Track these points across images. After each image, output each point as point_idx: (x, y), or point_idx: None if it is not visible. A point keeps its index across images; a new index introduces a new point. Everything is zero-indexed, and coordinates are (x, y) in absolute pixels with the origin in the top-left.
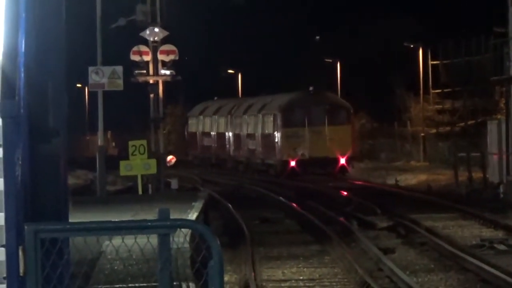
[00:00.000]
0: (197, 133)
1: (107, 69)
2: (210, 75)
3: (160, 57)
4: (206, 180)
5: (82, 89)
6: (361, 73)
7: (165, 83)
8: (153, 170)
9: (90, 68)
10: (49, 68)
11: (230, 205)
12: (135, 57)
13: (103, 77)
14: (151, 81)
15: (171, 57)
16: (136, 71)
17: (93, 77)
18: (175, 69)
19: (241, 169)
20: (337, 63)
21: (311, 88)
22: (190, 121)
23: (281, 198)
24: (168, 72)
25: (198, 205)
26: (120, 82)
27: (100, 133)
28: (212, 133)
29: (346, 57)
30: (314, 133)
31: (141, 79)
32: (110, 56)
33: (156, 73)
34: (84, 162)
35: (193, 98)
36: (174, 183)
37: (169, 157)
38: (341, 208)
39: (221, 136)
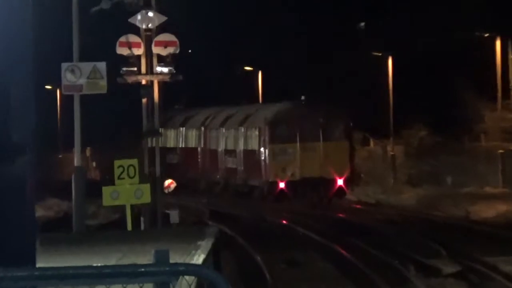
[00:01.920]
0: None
1: (86, 67)
2: (221, 74)
3: (156, 50)
4: (215, 211)
5: (53, 92)
6: (416, 71)
7: (162, 84)
8: (146, 198)
9: (64, 65)
10: (11, 67)
11: (247, 244)
12: (122, 50)
13: (81, 77)
14: (143, 82)
15: (170, 50)
16: (124, 69)
17: (67, 77)
18: (175, 65)
19: (217, 191)
20: (388, 59)
21: (303, 98)
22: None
23: (311, 233)
24: (166, 69)
25: (206, 244)
26: (104, 83)
27: (76, 150)
28: (179, 148)
29: (398, 50)
30: (307, 150)
31: (131, 79)
32: (90, 49)
33: (150, 71)
34: (57, 188)
35: (198, 103)
36: (174, 216)
37: (167, 182)
38: (393, 247)
39: (190, 152)
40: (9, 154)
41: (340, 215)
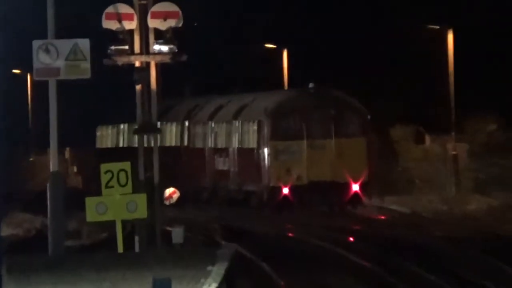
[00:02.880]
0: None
1: (65, 45)
2: (236, 52)
3: (153, 23)
4: (229, 228)
5: (22, 78)
6: (483, 49)
7: (161, 67)
8: (141, 212)
9: (36, 43)
10: None
11: (269, 268)
12: (110, 24)
13: (58, 58)
14: (137, 64)
15: (171, 23)
16: (113, 47)
17: (40, 58)
18: (178, 43)
19: (204, 198)
20: (446, 32)
21: (311, 85)
22: (102, 132)
23: (349, 254)
24: (165, 48)
25: (218, 269)
26: (87, 65)
27: (52, 151)
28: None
29: (457, 23)
30: (316, 149)
31: (121, 60)
32: (69, 23)
33: (145, 50)
34: (27, 200)
35: (206, 91)
36: (178, 234)
37: (169, 191)
38: (454, 273)
39: (170, 151)
40: None
41: (383, 230)
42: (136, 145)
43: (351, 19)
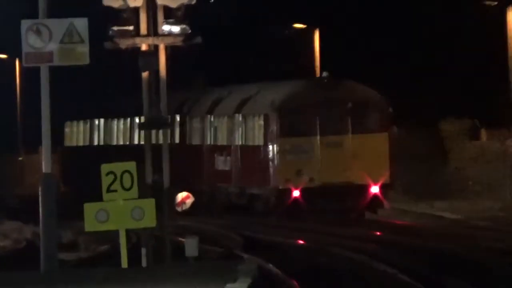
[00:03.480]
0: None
1: (58, 25)
2: (260, 34)
3: (161, 0)
4: (250, 238)
5: (10, 64)
6: None
7: (171, 51)
8: (149, 220)
9: (25, 24)
10: None
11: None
12: (112, 1)
13: (51, 41)
14: (143, 47)
15: (182, 0)
16: (115, 28)
17: (30, 41)
18: (191, 23)
19: (203, 201)
20: (505, 9)
21: (325, 74)
22: (71, 128)
23: (394, 270)
24: (177, 29)
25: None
26: (84, 49)
27: (45, 149)
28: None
29: None
30: (330, 147)
31: (125, 43)
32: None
33: (153, 31)
34: (16, 206)
35: (224, 79)
36: (192, 246)
37: (181, 195)
38: None
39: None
40: None
41: (431, 241)
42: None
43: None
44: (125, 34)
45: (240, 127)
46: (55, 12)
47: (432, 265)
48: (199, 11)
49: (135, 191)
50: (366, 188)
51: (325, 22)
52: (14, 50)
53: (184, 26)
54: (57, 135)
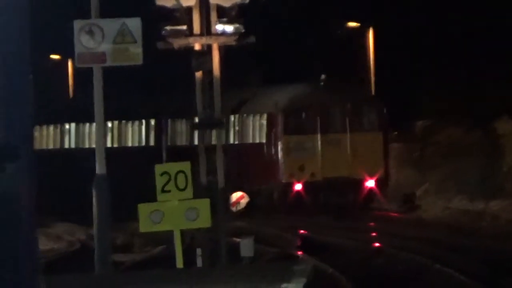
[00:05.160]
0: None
1: (111, 26)
2: (313, 33)
3: None
4: (304, 238)
5: (62, 64)
6: None
7: (225, 51)
8: (204, 221)
9: (78, 24)
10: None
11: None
12: (164, 1)
13: (104, 41)
14: (197, 47)
15: None
16: (168, 28)
17: (83, 42)
18: (245, 23)
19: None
20: None
21: (323, 77)
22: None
23: (455, 272)
24: (230, 28)
25: None
26: (138, 50)
27: (98, 149)
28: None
29: None
30: (330, 144)
31: (178, 43)
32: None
33: (206, 31)
34: (70, 206)
35: (279, 79)
36: (247, 246)
37: (236, 195)
38: None
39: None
40: None
41: (490, 242)
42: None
43: None
44: (178, 34)
45: (247, 126)
46: (107, 10)
47: (490, 265)
48: (253, 10)
49: (189, 191)
50: (362, 182)
51: (379, 21)
52: (67, 49)
53: (237, 25)
54: None
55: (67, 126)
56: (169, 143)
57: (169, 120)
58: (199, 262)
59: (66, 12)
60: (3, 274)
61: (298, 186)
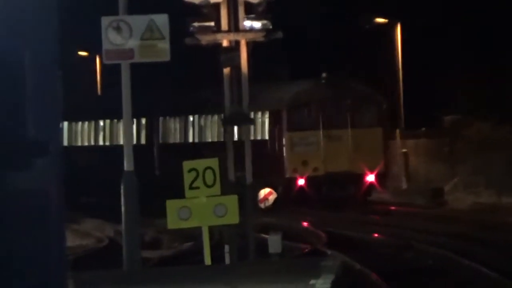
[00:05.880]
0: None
1: (139, 22)
2: (340, 29)
3: None
4: (331, 234)
5: (91, 61)
6: None
7: (252, 47)
8: (232, 217)
9: (106, 20)
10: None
11: (386, 285)
12: None
13: (131, 37)
14: (225, 43)
15: None
16: (196, 24)
17: (111, 38)
18: (273, 18)
19: None
20: None
21: (324, 75)
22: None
23: (484, 267)
24: (258, 24)
25: (323, 284)
26: (165, 45)
27: (126, 147)
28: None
29: None
30: (332, 140)
31: (206, 39)
32: None
33: (234, 27)
34: (98, 202)
35: (305, 74)
36: (275, 243)
37: (264, 192)
38: None
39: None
40: (24, 156)
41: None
42: None
43: None
44: (206, 30)
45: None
46: (134, 6)
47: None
48: (280, 6)
49: (217, 188)
50: (363, 176)
51: (406, 16)
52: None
53: (265, 21)
54: None
55: (99, 123)
56: (160, 141)
57: (161, 119)
58: (227, 259)
59: (94, 8)
60: (31, 271)
61: (301, 181)
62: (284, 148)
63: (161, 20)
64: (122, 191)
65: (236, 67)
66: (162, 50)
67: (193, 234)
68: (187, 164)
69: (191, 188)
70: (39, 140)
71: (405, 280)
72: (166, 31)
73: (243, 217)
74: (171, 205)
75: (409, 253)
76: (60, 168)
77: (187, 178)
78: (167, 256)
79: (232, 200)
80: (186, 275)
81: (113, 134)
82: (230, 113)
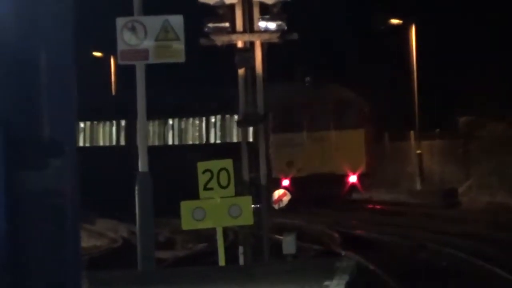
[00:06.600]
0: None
1: (154, 22)
2: (355, 30)
3: None
4: (346, 235)
5: (105, 61)
6: None
7: (267, 47)
8: (246, 218)
9: (121, 21)
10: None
11: (400, 286)
12: None
13: (146, 38)
14: (239, 44)
15: None
16: (211, 25)
17: (125, 38)
18: (288, 19)
19: None
20: None
21: (307, 79)
22: None
23: (497, 267)
24: (273, 25)
25: (337, 285)
26: (180, 46)
27: (141, 148)
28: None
29: None
30: (316, 141)
31: (221, 40)
32: None
33: (249, 27)
34: (114, 201)
35: (321, 76)
36: (290, 243)
37: (278, 192)
38: None
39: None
40: (39, 156)
41: None
42: None
43: None
44: (221, 31)
45: (216, 127)
46: (149, 7)
47: None
48: (295, 7)
49: (231, 189)
50: (345, 177)
51: (421, 17)
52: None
53: (280, 22)
54: None
55: (113, 123)
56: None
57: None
58: (242, 260)
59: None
60: (46, 271)
61: (285, 182)
62: (270, 150)
63: (176, 21)
64: (136, 192)
65: (251, 68)
66: (177, 51)
67: (207, 235)
68: (201, 165)
69: (205, 189)
70: (55, 140)
71: (418, 281)
72: (181, 32)
73: (258, 218)
74: (186, 206)
75: (423, 254)
76: (75, 168)
77: (202, 179)
78: (181, 257)
79: (246, 201)
80: (200, 276)
81: (128, 134)
82: (244, 113)
